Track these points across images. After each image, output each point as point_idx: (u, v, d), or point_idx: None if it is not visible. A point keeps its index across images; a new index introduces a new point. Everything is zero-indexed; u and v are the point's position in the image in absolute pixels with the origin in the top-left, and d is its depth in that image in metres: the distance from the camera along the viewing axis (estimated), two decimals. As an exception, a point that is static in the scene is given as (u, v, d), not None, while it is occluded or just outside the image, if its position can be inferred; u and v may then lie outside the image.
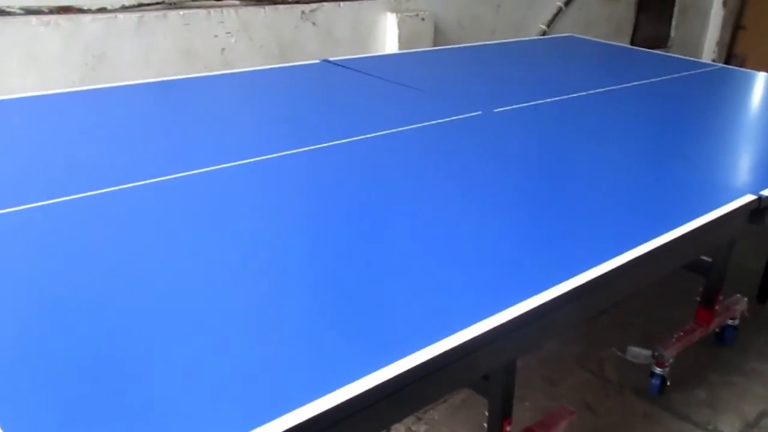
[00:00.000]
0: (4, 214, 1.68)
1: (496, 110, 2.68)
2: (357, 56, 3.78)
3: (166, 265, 1.54)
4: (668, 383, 2.74)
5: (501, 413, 1.98)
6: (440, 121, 2.55)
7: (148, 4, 3.91)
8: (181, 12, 4.05)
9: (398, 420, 1.57)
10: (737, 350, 3.05)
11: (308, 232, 1.74)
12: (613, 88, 3.19)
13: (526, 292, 1.45)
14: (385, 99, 2.88)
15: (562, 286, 1.49)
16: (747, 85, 3.58)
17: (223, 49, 4.26)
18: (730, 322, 3.01)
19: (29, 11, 3.59)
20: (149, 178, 1.92)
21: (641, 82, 3.33)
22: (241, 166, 2.06)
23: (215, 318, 1.33)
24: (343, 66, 3.28)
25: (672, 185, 2.12)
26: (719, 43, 7.42)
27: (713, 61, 7.52)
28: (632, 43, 6.70)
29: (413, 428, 2.56)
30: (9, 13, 3.53)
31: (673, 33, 7.01)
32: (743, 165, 2.38)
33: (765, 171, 2.28)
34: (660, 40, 6.95)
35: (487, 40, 5.06)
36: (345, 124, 2.50)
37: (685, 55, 6.47)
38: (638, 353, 2.89)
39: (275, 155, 2.15)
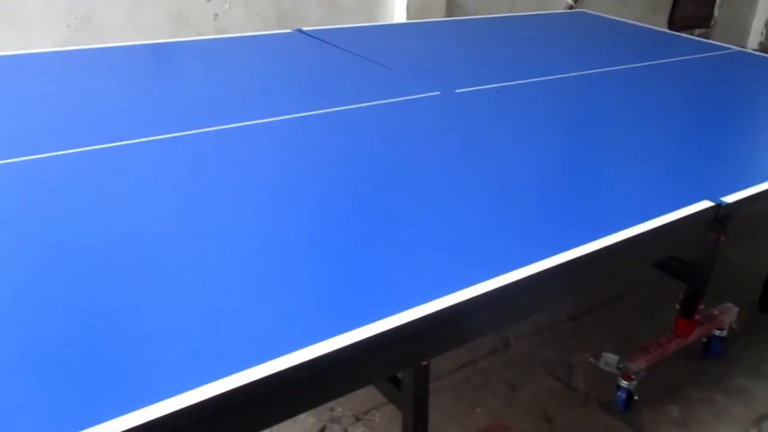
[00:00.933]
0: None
1: (457, 91, 2.46)
2: (332, 27, 3.57)
3: (148, 224, 1.54)
4: (635, 398, 2.51)
5: (414, 426, 1.79)
6: (396, 99, 2.35)
7: (135, -33, 3.77)
8: (171, -25, 3.90)
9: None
10: (724, 364, 2.79)
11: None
12: (597, 71, 2.93)
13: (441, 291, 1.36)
14: (349, 74, 2.68)
15: (480, 286, 1.38)
16: (756, 72, 3.25)
17: (216, 15, 4.11)
18: (717, 332, 2.75)
19: (7, -31, 3.49)
20: (128, 139, 1.94)
21: (634, 65, 3.06)
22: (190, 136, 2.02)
23: (194, 271, 1.38)
24: (315, 37, 3.09)
25: (623, 185, 1.88)
26: (767, 24, 6.93)
27: (761, 44, 7.04)
28: (670, 22, 6.30)
29: (349, 430, 2.40)
30: (-15, -29, 3.43)
31: (716, 12, 6.56)
32: (709, 166, 2.11)
33: (730, 175, 2.01)
34: (701, 20, 6.53)
35: (506, 14, 4.78)
36: (304, 97, 2.36)
37: (730, 37, 6.07)
38: (612, 361, 2.66)
39: (216, 128, 2.06)
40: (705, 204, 1.74)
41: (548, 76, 2.82)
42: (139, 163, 1.84)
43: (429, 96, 2.41)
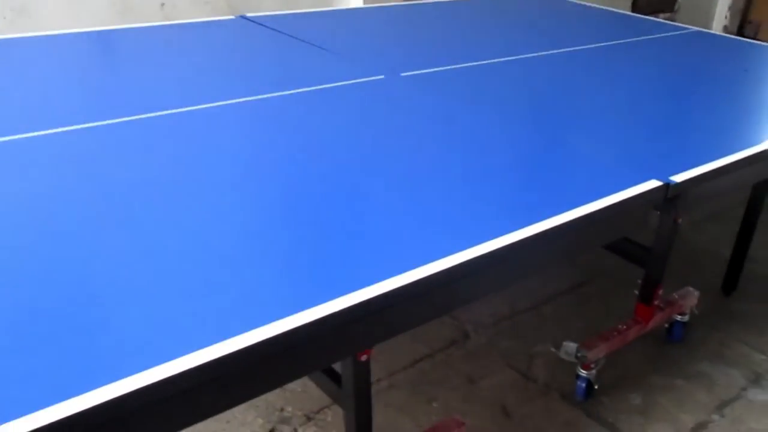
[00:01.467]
0: None
1: (402, 74, 2.36)
2: (278, 12, 3.45)
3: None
4: (596, 387, 2.43)
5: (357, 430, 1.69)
6: (339, 84, 2.24)
7: (75, -46, 3.61)
8: (113, -38, 3.74)
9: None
10: (686, 349, 2.72)
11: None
12: (554, 52, 2.84)
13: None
14: (292, 60, 2.56)
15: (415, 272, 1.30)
16: (714, 51, 3.18)
17: (162, 4, 3.95)
18: (678, 318, 2.68)
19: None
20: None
21: (592, 45, 2.98)
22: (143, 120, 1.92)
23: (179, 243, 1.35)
24: (259, 23, 2.96)
25: (571, 163, 1.80)
26: (732, 9, 6.91)
27: (725, 27, 7.02)
28: (634, 7, 6.25)
29: (299, 430, 2.29)
30: None
31: (679, -5, 6.53)
32: (660, 146, 2.02)
33: (681, 153, 1.93)
34: (665, 5, 6.48)
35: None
36: (242, 83, 2.25)
37: (694, 21, 6.02)
38: (572, 349, 2.58)
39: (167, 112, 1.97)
40: (653, 183, 1.65)
41: (502, 57, 2.73)
42: (87, 147, 1.77)
43: (373, 80, 2.30)
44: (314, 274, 1.30)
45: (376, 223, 1.49)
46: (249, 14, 3.16)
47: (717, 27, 7.00)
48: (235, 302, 1.19)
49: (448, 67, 2.52)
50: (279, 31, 2.87)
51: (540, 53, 2.84)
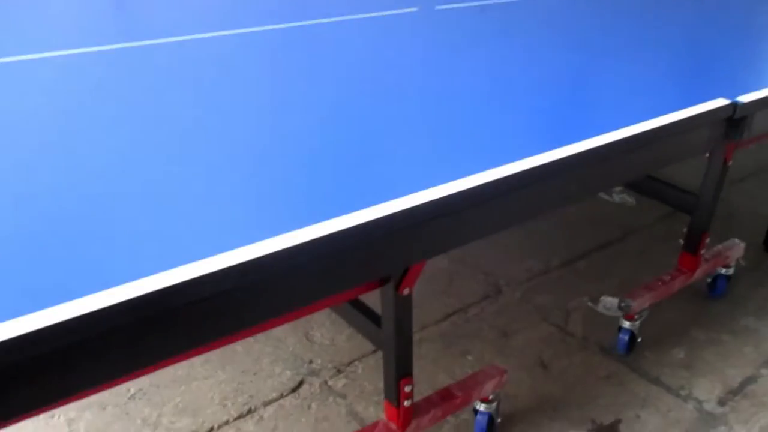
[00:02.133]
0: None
1: (437, 7, 2.24)
2: None
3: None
4: (639, 340, 2.32)
5: (396, 371, 1.59)
6: (375, 14, 2.13)
7: None
8: None
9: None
10: (730, 304, 2.60)
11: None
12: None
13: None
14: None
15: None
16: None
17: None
18: (723, 271, 2.56)
19: None
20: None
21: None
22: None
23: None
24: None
25: (635, 83, 1.69)
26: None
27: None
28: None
29: (330, 382, 2.20)
30: None
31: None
32: (723, 67, 1.90)
33: (746, 75, 1.80)
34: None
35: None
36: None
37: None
38: (612, 304, 2.48)
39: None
40: (720, 102, 1.53)
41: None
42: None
43: (407, 12, 2.19)
44: (360, 179, 1.21)
45: (416, 141, 1.39)
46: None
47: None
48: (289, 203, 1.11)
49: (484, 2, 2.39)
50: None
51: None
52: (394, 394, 1.62)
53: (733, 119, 1.54)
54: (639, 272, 2.74)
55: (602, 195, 2.42)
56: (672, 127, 1.42)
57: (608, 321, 2.41)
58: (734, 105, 1.54)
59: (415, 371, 1.68)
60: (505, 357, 2.33)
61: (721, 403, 2.15)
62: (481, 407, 1.90)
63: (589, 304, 2.57)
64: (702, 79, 1.78)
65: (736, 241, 2.57)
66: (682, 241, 2.36)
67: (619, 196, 2.28)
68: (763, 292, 2.69)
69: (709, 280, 2.60)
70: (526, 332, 2.46)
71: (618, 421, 2.07)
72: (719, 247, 2.52)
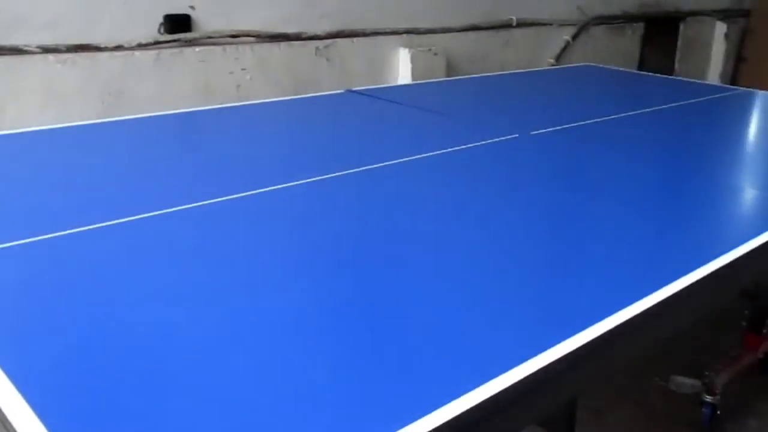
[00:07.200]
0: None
1: (532, 133, 2.64)
2: (379, 86, 3.75)
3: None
4: (719, 412, 2.64)
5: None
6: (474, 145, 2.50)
7: (165, 42, 3.89)
8: (197, 49, 4.03)
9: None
10: (784, 378, 2.96)
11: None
12: (639, 112, 3.17)
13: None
14: (413, 125, 2.84)
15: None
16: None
17: (238, 86, 4.24)
18: (775, 349, 2.93)
19: (46, 50, 3.56)
20: (175, 206, 1.85)
21: (669, 105, 3.31)
22: (266, 193, 2.00)
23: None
24: (366, 95, 3.25)
25: (712, 212, 2.07)
26: (722, 75, 7.46)
27: (716, 93, 7.55)
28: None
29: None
30: (27, 52, 3.50)
31: (677, 66, 7.05)
32: None
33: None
34: (665, 73, 6.98)
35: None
36: (373, 150, 2.46)
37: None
38: (682, 383, 2.80)
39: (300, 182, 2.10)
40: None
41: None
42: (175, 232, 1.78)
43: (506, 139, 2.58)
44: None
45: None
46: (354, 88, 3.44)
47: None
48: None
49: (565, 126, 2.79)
50: (391, 101, 3.15)
51: (621, 115, 3.15)
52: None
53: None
54: (698, 353, 3.08)
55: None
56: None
57: (683, 398, 2.72)
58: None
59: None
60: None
61: (801, 464, 2.47)
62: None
63: (662, 383, 2.89)
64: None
65: (784, 321, 2.94)
66: (744, 323, 2.73)
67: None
68: (807, 365, 3.05)
69: (761, 357, 2.96)
70: (615, 411, 2.75)
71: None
72: (770, 327, 2.89)
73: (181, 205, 1.84)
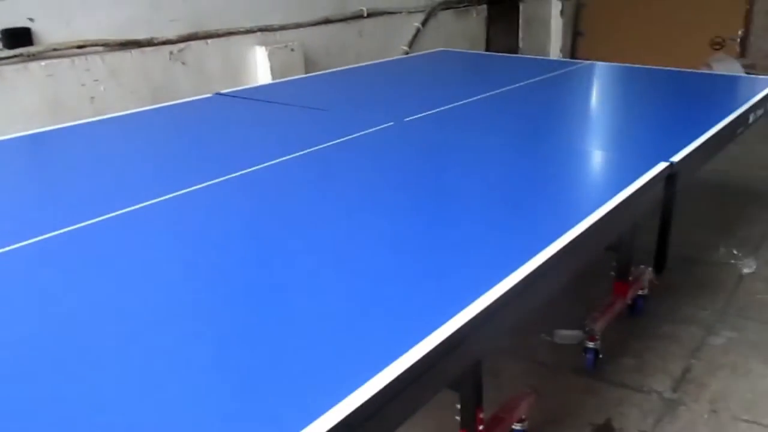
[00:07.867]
0: None
1: (406, 119, 2.74)
2: (248, 86, 3.72)
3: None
4: (600, 356, 2.85)
5: (474, 403, 1.98)
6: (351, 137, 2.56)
7: (6, 58, 3.66)
8: (43, 63, 3.82)
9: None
10: (648, 318, 3.23)
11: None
12: (498, 92, 3.35)
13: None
14: (292, 122, 2.86)
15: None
16: (611, 76, 3.86)
17: (92, 98, 4.07)
18: (640, 292, 3.19)
19: None
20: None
21: (527, 82, 3.52)
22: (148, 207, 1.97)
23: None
24: (237, 97, 3.22)
25: (587, 167, 2.24)
26: (562, 50, 7.96)
27: (558, 67, 8.05)
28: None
29: None
30: None
31: (521, 44, 7.45)
32: (654, 138, 2.55)
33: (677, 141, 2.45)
34: (511, 51, 7.37)
35: (354, 65, 5.16)
36: (251, 152, 2.46)
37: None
38: (566, 335, 3.02)
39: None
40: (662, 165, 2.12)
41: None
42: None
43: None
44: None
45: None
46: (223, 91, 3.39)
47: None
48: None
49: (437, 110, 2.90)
50: (264, 101, 3.14)
51: (479, 96, 3.32)
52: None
53: (672, 174, 2.14)
54: (572, 306, 3.30)
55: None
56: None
57: (566, 348, 2.92)
58: (671, 165, 2.14)
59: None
60: (503, 392, 2.75)
61: (674, 390, 2.72)
62: (518, 426, 2.31)
63: (547, 338, 3.08)
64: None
65: (643, 267, 3.21)
66: (613, 273, 2.96)
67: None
68: (666, 304, 3.35)
69: (629, 301, 3.22)
70: (509, 370, 2.90)
71: (609, 419, 2.56)
72: (634, 273, 3.14)
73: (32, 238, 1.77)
